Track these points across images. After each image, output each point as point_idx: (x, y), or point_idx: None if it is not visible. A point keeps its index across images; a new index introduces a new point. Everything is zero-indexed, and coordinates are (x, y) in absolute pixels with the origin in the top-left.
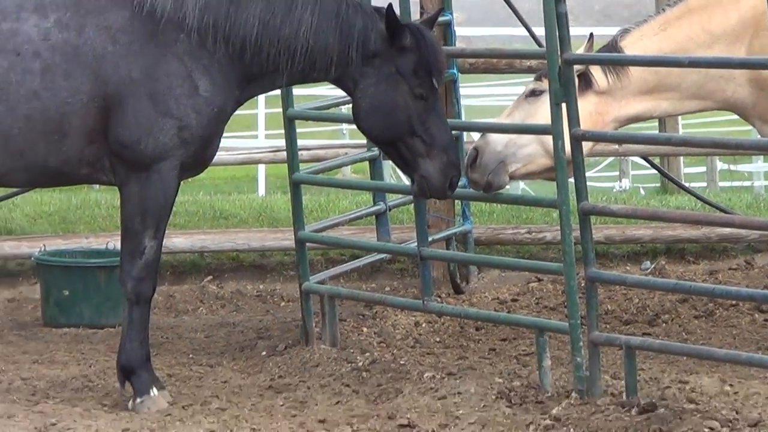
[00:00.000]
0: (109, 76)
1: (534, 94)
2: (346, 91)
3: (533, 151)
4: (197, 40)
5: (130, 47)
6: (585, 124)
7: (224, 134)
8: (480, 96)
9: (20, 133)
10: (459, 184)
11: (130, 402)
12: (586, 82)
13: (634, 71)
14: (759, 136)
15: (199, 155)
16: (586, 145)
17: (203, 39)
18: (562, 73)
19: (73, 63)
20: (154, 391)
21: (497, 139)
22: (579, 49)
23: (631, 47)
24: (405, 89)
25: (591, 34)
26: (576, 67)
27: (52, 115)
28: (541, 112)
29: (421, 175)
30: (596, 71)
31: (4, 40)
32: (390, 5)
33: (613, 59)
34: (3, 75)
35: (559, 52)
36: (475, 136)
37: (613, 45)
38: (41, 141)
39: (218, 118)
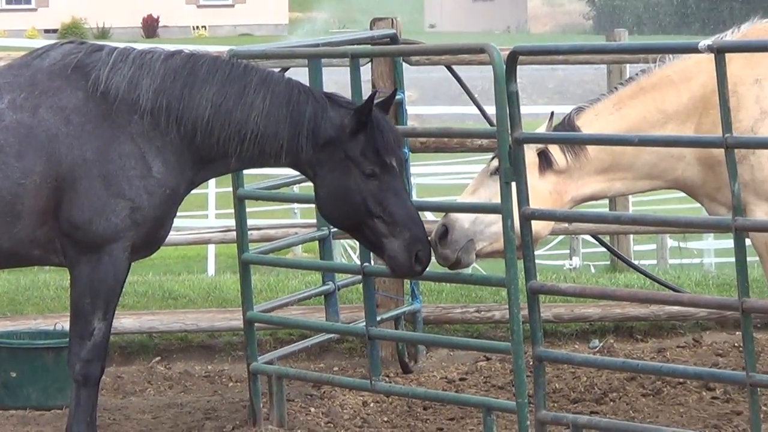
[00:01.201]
0: (62, 157)
1: (498, 171)
2: (308, 178)
3: (500, 229)
4: (150, 121)
5: (83, 128)
6: (545, 203)
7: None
8: (432, 174)
9: None
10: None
11: None
12: (547, 161)
13: (591, 151)
14: (707, 215)
15: (151, 236)
16: (547, 226)
17: (156, 121)
18: (512, 153)
19: (25, 144)
20: None
21: (465, 216)
22: (540, 128)
23: (587, 126)
24: (356, 172)
25: (552, 113)
26: (537, 146)
27: (4, 195)
28: None
29: (388, 255)
30: (555, 150)
31: None
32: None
33: (563, 138)
34: None
35: (509, 131)
36: (428, 215)
37: (568, 123)
38: None
39: (171, 200)
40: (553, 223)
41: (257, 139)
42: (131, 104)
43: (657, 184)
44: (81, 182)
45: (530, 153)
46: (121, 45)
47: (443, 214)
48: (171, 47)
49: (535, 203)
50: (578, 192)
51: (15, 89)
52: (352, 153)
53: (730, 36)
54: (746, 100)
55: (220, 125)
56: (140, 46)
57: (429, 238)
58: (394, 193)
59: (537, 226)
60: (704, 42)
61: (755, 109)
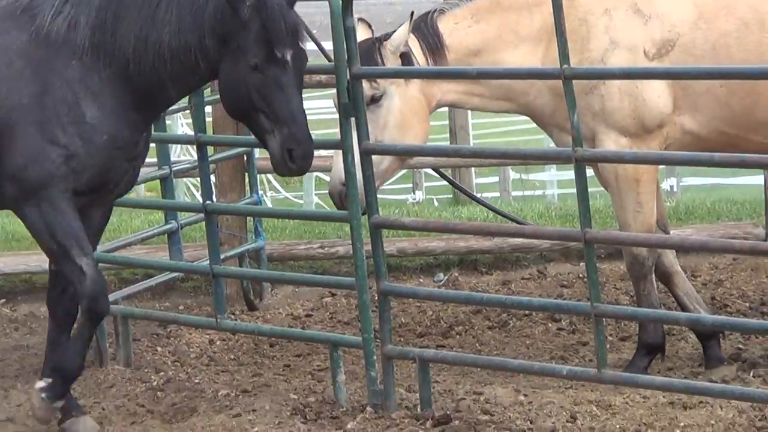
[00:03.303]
0: (1, 100)
1: (374, 100)
2: None
3: (388, 165)
4: (89, 63)
5: (22, 72)
6: (414, 107)
7: None
8: None
9: None
10: (251, 200)
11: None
12: (409, 63)
13: (450, 58)
14: (554, 145)
15: (94, 182)
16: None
17: (94, 62)
18: (351, 88)
19: None
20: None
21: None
22: (399, 30)
23: (447, 33)
24: (243, 63)
25: (412, 13)
26: (400, 48)
27: None
28: (390, 116)
29: (269, 151)
30: (418, 54)
31: None
32: None
33: (402, 72)
34: None
35: (347, 67)
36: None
37: (431, 24)
38: None
39: (111, 145)
40: (426, 134)
41: (177, 55)
42: (71, 47)
43: (511, 106)
44: (17, 128)
45: (393, 59)
46: None
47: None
48: None
49: (407, 107)
50: (443, 97)
51: None
52: (242, 43)
53: None
54: (596, 30)
55: (143, 50)
56: None
57: (332, 191)
58: (278, 88)
59: (413, 140)
60: None
61: (605, 39)
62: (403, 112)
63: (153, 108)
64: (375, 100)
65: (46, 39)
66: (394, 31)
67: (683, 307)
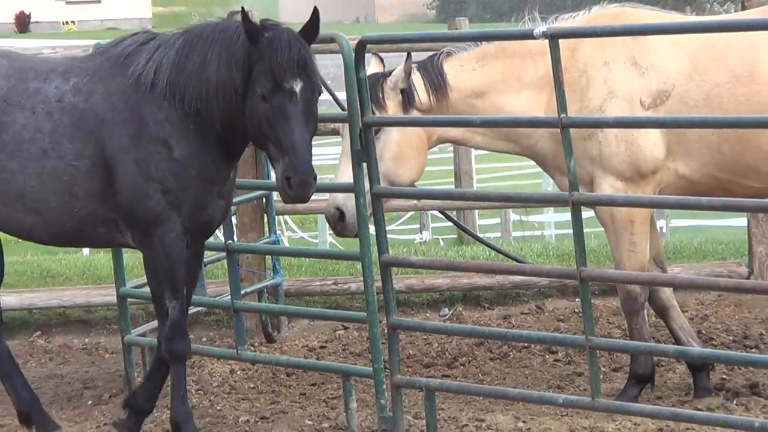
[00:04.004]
0: (105, 141)
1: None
2: None
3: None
4: (173, 103)
5: (122, 115)
6: (414, 140)
7: None
8: None
9: (33, 191)
10: (270, 240)
11: None
12: (410, 98)
13: (453, 97)
14: (551, 188)
15: (196, 217)
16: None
17: (176, 102)
18: (363, 135)
19: (76, 127)
20: None
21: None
22: (398, 68)
23: (452, 73)
24: (255, 94)
25: (408, 53)
26: (399, 84)
27: (60, 176)
28: (387, 148)
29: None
30: (420, 89)
31: (26, 97)
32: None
33: (408, 121)
34: (18, 132)
35: (359, 115)
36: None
37: (437, 63)
38: (53, 200)
39: (200, 180)
40: (422, 168)
41: (220, 90)
42: (158, 89)
43: (514, 148)
44: (120, 168)
45: (393, 95)
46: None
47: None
48: (44, 42)
49: (405, 141)
50: (443, 133)
51: (82, 74)
52: (257, 74)
53: (581, 17)
54: (595, 81)
55: (199, 88)
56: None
57: (328, 215)
58: (283, 118)
59: (408, 173)
60: (539, 29)
61: (603, 89)
62: (400, 145)
63: (230, 145)
64: (374, 132)
65: (137, 82)
66: None
67: (677, 340)
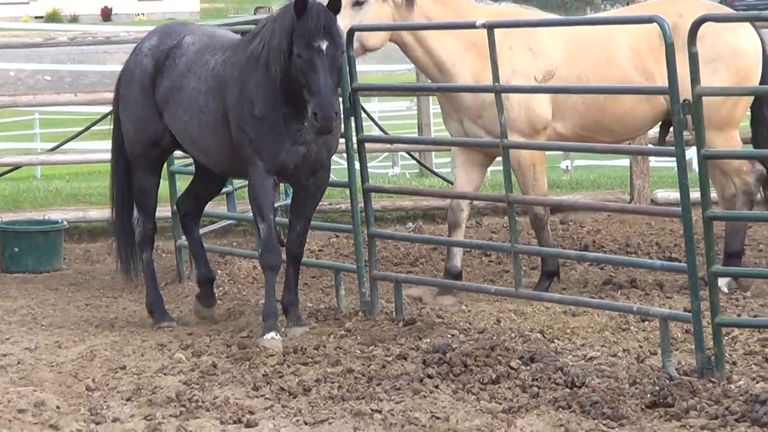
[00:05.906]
0: (226, 100)
1: (358, 3)
2: None
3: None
4: (262, 70)
5: (235, 80)
6: (385, 19)
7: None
8: None
9: (200, 138)
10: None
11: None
12: None
13: (414, 13)
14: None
15: (277, 161)
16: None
17: (262, 69)
18: (351, 98)
19: (216, 89)
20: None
21: None
22: None
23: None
24: (294, 53)
25: None
26: None
27: (210, 126)
28: (366, 17)
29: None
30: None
31: (199, 67)
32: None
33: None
34: (189, 93)
35: (349, 83)
36: None
37: None
38: (210, 145)
39: (272, 132)
40: (385, 40)
41: (280, 55)
42: (258, 60)
43: (439, 77)
44: (232, 121)
45: None
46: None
47: None
48: (121, 27)
49: (378, 18)
50: (403, 36)
51: (230, 50)
52: (295, 38)
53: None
54: (503, 61)
55: (269, 55)
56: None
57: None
58: (312, 68)
59: (374, 40)
60: (479, 21)
61: (509, 68)
62: (374, 19)
63: (297, 104)
64: (359, 3)
65: (251, 56)
66: None
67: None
